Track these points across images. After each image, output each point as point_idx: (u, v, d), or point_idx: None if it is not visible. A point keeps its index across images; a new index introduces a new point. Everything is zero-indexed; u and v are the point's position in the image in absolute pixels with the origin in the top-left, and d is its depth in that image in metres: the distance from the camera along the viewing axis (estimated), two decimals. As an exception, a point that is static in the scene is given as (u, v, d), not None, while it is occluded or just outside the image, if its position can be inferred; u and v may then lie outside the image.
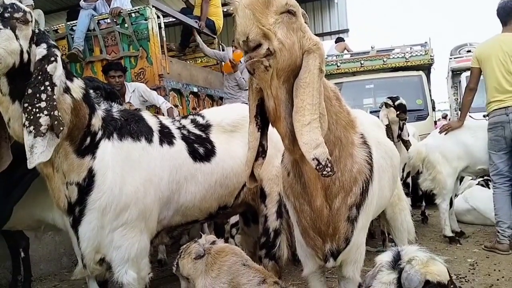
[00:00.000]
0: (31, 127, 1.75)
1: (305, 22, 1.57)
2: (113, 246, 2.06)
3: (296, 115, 1.49)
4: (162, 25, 5.24)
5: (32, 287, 3.57)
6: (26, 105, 1.78)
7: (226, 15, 7.19)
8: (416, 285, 1.47)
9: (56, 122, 1.77)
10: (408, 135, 4.82)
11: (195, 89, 5.89)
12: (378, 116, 4.25)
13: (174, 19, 6.53)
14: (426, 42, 7.88)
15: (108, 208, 2.02)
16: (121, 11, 5.07)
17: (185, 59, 6.78)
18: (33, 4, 4.37)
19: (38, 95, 1.78)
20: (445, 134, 4.65)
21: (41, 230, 3.13)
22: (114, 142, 2.11)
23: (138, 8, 5.16)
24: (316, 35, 1.62)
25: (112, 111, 2.22)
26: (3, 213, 2.56)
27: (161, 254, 4.32)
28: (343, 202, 1.77)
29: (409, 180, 5.21)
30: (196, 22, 6.19)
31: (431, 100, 7.55)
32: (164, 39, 5.29)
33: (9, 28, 1.79)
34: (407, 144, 4.69)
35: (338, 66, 7.80)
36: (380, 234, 4.48)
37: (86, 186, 2.01)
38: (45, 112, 1.76)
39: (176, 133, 2.43)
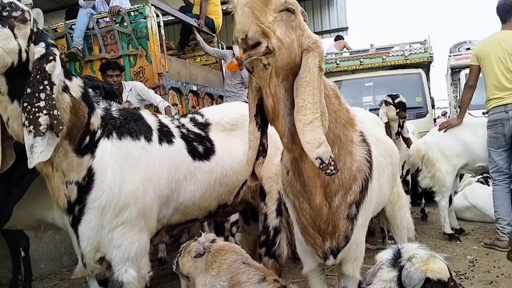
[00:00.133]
0: (31, 127, 1.75)
1: (304, 20, 1.57)
2: (113, 245, 2.06)
3: (298, 115, 1.49)
4: (161, 24, 5.24)
5: (32, 286, 3.57)
6: (25, 104, 1.77)
7: (225, 13, 7.19)
8: (417, 283, 1.48)
9: (55, 122, 1.77)
10: (408, 132, 4.82)
11: (195, 88, 5.89)
12: (377, 114, 4.25)
13: (173, 18, 6.51)
14: (425, 40, 7.88)
15: (107, 207, 2.02)
16: (120, 9, 5.07)
17: (184, 57, 6.77)
18: (32, 3, 4.36)
19: (37, 94, 1.77)
20: (444, 132, 4.66)
21: (41, 229, 3.13)
22: (113, 141, 2.11)
23: (137, 7, 5.15)
24: (315, 33, 1.62)
25: (111, 110, 2.21)
26: (3, 212, 2.56)
27: (161, 253, 4.33)
28: (342, 200, 1.77)
29: (409, 177, 5.22)
30: (196, 20, 6.18)
31: (431, 97, 7.55)
32: (163, 37, 5.28)
33: (7, 27, 1.79)
34: (408, 142, 4.69)
35: (337, 64, 7.80)
36: (379, 232, 4.49)
37: (86, 185, 2.01)
38: (44, 112, 1.75)
39: (175, 131, 2.43)
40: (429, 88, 7.43)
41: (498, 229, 4.08)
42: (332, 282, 2.91)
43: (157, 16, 5.16)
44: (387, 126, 4.44)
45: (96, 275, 2.35)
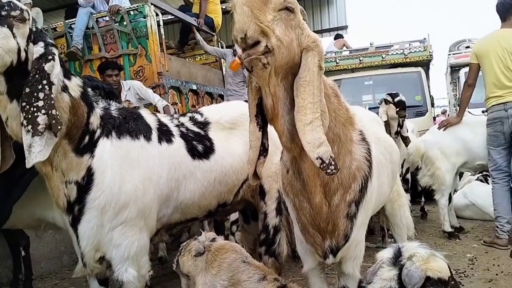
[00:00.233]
0: (29, 126, 1.74)
1: (303, 19, 1.57)
2: (112, 244, 2.06)
3: (298, 114, 1.49)
4: (161, 23, 5.22)
5: (33, 286, 3.57)
6: (24, 104, 1.77)
7: (225, 12, 7.18)
8: (417, 282, 1.48)
9: (54, 121, 1.76)
10: (407, 131, 4.82)
11: (194, 87, 5.88)
12: (377, 113, 4.25)
13: (173, 17, 6.51)
14: (424, 39, 7.88)
15: (107, 207, 2.02)
16: (120, 9, 5.06)
17: (184, 56, 6.76)
18: (31, 2, 4.36)
19: (35, 94, 1.77)
20: (443, 130, 4.66)
21: (42, 228, 3.13)
22: (112, 141, 2.10)
23: (137, 6, 5.14)
24: (315, 31, 1.62)
25: (110, 110, 2.21)
26: (3, 212, 2.56)
27: (161, 252, 4.33)
28: (342, 199, 1.77)
29: (408, 176, 5.22)
30: (195, 19, 6.17)
31: (430, 96, 7.56)
32: (163, 36, 5.27)
33: (6, 26, 1.78)
34: (406, 141, 4.69)
35: (337, 63, 7.80)
36: (379, 230, 4.49)
37: (85, 184, 2.00)
38: (43, 111, 1.75)
39: (174, 130, 2.43)
40: (428, 87, 7.43)
41: (497, 227, 4.09)
42: (332, 280, 2.91)
43: (157, 15, 5.15)
44: (387, 125, 4.44)
45: (97, 274, 2.35)
